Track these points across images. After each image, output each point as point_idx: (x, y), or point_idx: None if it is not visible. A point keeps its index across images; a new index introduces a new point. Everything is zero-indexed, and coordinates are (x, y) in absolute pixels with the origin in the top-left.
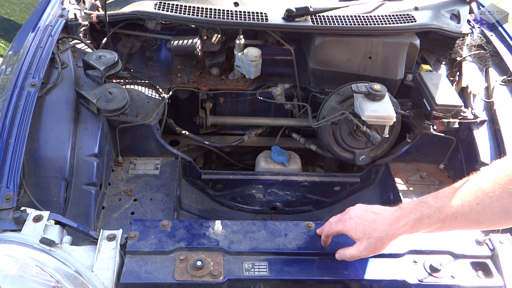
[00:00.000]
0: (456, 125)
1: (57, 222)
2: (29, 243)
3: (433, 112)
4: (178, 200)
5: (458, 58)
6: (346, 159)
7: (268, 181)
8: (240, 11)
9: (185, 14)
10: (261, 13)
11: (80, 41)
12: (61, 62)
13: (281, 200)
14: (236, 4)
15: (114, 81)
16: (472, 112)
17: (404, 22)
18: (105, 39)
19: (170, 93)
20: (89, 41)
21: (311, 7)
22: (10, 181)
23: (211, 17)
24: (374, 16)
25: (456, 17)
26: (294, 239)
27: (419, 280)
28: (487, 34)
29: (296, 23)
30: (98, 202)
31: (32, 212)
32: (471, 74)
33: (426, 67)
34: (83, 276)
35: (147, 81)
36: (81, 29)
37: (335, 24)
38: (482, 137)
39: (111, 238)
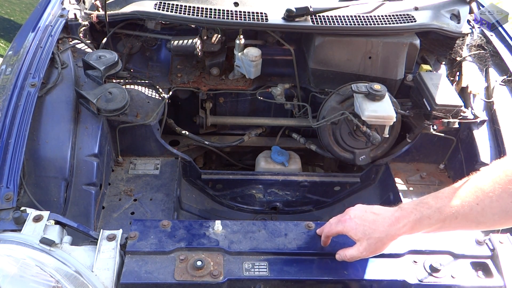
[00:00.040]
0: (456, 125)
1: (57, 222)
2: (29, 243)
3: (433, 112)
4: (178, 200)
5: (458, 58)
6: (346, 159)
7: (268, 181)
8: (240, 11)
9: (185, 14)
10: (261, 13)
11: (80, 41)
12: (61, 62)
13: (281, 200)
14: (236, 4)
15: (114, 81)
16: (472, 112)
17: (404, 22)
18: (105, 39)
19: (170, 93)
20: (89, 41)
21: (311, 7)
22: (10, 181)
23: (211, 17)
24: (374, 16)
25: (456, 17)
26: (294, 239)
27: (419, 280)
28: (487, 34)
29: (296, 23)
30: (98, 202)
31: (32, 212)
32: (471, 74)
33: (426, 67)
34: (83, 276)
35: (147, 81)
36: (81, 29)
37: (335, 24)
38: (482, 137)
39: (111, 238)
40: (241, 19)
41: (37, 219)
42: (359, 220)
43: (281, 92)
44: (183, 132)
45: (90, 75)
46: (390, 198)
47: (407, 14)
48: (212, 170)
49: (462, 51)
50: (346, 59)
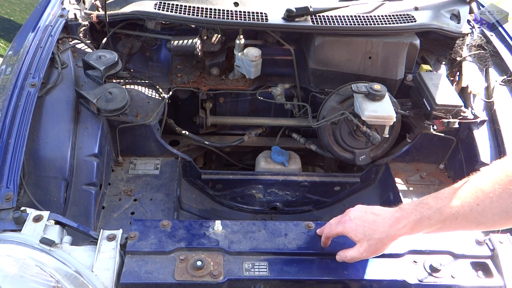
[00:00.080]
0: (456, 125)
1: (57, 222)
2: (29, 243)
3: (433, 112)
4: (178, 200)
5: (458, 58)
6: (346, 159)
7: (268, 181)
8: (240, 11)
9: (185, 14)
10: (261, 13)
11: (80, 41)
12: (61, 62)
13: (281, 200)
14: (236, 4)
15: (114, 81)
16: (472, 112)
17: (404, 22)
18: (105, 39)
19: (170, 93)
20: (89, 41)
21: (311, 7)
22: (10, 181)
23: (211, 17)
24: (374, 16)
25: (456, 17)
26: (294, 239)
27: (419, 280)
28: (487, 34)
29: (296, 23)
30: (98, 202)
31: (32, 212)
32: (471, 74)
33: (426, 67)
34: (83, 276)
35: (147, 81)
36: (81, 29)
37: (335, 24)
38: (482, 137)
39: (111, 238)
40: (241, 19)
41: (37, 219)
42: (359, 221)
43: (281, 92)
44: (183, 132)
45: (90, 75)
46: (390, 198)
47: (407, 14)
48: (212, 170)
49: (462, 51)
50: (346, 59)
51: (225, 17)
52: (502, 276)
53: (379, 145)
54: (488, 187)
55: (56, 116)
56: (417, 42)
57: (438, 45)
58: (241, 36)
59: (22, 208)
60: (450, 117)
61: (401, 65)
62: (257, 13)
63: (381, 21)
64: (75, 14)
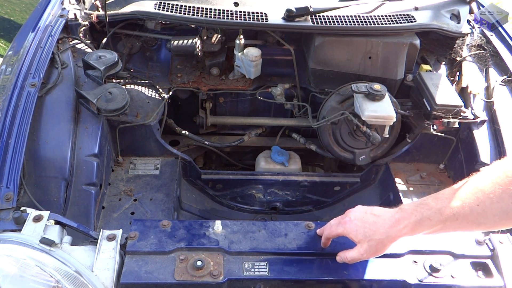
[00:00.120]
0: (456, 125)
1: (57, 222)
2: (29, 243)
3: (433, 112)
4: (178, 200)
5: (458, 58)
6: (346, 159)
7: (268, 181)
8: (240, 11)
9: (185, 14)
10: (261, 13)
11: (80, 41)
12: (61, 62)
13: (281, 200)
14: (236, 4)
15: (114, 81)
16: (472, 112)
17: (404, 22)
18: (105, 39)
19: (170, 93)
20: (89, 41)
21: (311, 7)
22: (10, 181)
23: (211, 17)
24: (374, 16)
25: (456, 17)
26: (294, 239)
27: (419, 280)
28: (487, 34)
29: (296, 23)
30: (98, 202)
31: (32, 212)
32: (471, 74)
33: (426, 67)
34: (83, 276)
35: (147, 81)
36: (81, 29)
37: (335, 24)
38: (482, 137)
39: (111, 238)
40: (241, 19)
41: (37, 219)
42: (359, 222)
43: (281, 92)
44: (183, 132)
45: (90, 75)
46: (390, 198)
47: (407, 14)
48: (212, 170)
49: (462, 51)
50: (346, 59)
51: (225, 17)
52: (502, 276)
53: (379, 145)
54: (488, 188)
55: (56, 116)
56: (417, 42)
57: (438, 45)
58: (241, 36)
59: (22, 208)
60: (450, 117)
61: (401, 65)
62: (257, 13)
63: (381, 21)
64: (75, 14)
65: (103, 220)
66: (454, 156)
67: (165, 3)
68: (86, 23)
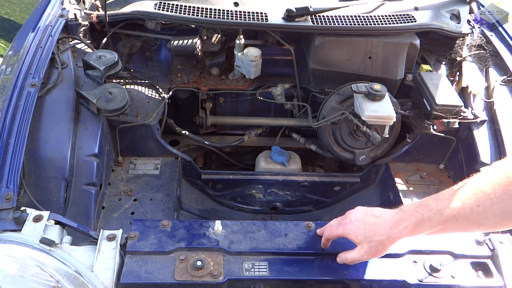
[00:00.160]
0: (456, 125)
1: (57, 222)
2: (29, 243)
3: (433, 112)
4: (178, 200)
5: (458, 58)
6: (346, 159)
7: (268, 181)
8: (240, 11)
9: (185, 14)
10: (261, 13)
11: (80, 41)
12: (61, 62)
13: (281, 200)
14: (236, 4)
15: (114, 81)
16: (472, 112)
17: (404, 22)
18: (105, 39)
19: (170, 93)
20: (89, 41)
21: (311, 7)
22: (10, 181)
23: (211, 17)
24: (374, 16)
25: (456, 17)
26: (294, 239)
27: (419, 280)
28: (487, 34)
29: (296, 23)
30: (98, 202)
31: (32, 212)
32: (471, 74)
33: (426, 67)
34: (83, 276)
35: (147, 81)
36: (81, 29)
37: (335, 24)
38: (482, 137)
39: (111, 238)
40: (241, 19)
41: (37, 219)
42: (359, 223)
43: (281, 92)
44: (183, 132)
45: (90, 75)
46: (390, 198)
47: (407, 14)
48: (212, 170)
49: (462, 51)
50: (346, 59)
51: (225, 17)
52: (502, 276)
53: (379, 145)
54: (489, 188)
55: (56, 116)
56: (417, 42)
57: (438, 45)
58: (241, 36)
59: (22, 208)
60: (450, 117)
61: (401, 65)
62: (257, 13)
63: (381, 21)
64: (75, 14)
65: (103, 220)
66: (454, 156)
67: (165, 3)
68: (86, 23)
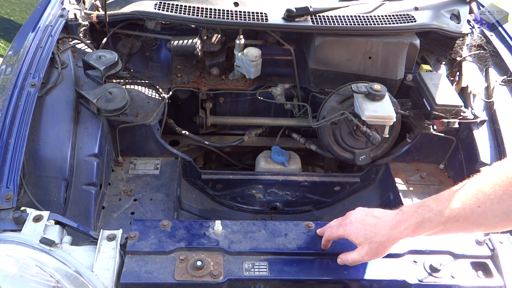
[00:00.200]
0: (456, 125)
1: (57, 222)
2: (29, 243)
3: (433, 112)
4: (178, 200)
5: (458, 58)
6: (346, 159)
7: (268, 181)
8: (240, 11)
9: (185, 14)
10: (261, 13)
11: (80, 41)
12: (61, 62)
13: (281, 200)
14: (236, 4)
15: (114, 81)
16: (472, 112)
17: (404, 22)
18: (105, 39)
19: (170, 93)
20: (89, 41)
21: (311, 7)
22: (10, 181)
23: (211, 17)
24: (374, 16)
25: (456, 17)
26: (294, 239)
27: (419, 280)
28: (487, 34)
29: (296, 23)
30: (98, 202)
31: (32, 212)
32: (471, 74)
33: (426, 67)
34: (83, 276)
35: (147, 81)
36: (81, 29)
37: (335, 24)
38: (482, 137)
39: (111, 238)
40: (241, 19)
41: (37, 219)
42: (360, 224)
43: (281, 92)
44: (183, 132)
45: (90, 75)
46: (390, 198)
47: (407, 14)
48: (212, 170)
49: (462, 51)
50: (346, 59)
51: (225, 17)
52: (502, 276)
53: (379, 145)
54: (489, 189)
55: (56, 116)
56: (417, 42)
57: (438, 45)
58: (241, 36)
59: (22, 208)
60: (450, 117)
61: (401, 65)
62: (257, 13)
63: (381, 21)
64: (75, 14)
65: (103, 220)
66: (454, 156)
67: (165, 3)
68: (86, 23)
